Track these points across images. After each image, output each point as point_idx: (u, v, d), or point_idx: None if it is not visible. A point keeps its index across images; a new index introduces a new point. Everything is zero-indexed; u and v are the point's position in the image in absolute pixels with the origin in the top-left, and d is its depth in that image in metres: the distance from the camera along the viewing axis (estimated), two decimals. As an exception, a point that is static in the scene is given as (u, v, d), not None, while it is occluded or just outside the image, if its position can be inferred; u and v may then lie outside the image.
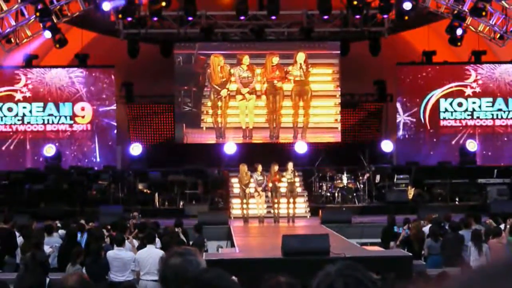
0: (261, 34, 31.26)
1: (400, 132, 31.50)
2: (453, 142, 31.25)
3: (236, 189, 26.77)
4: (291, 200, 25.02)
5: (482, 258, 16.04)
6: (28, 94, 30.80)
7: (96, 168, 29.60)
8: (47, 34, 28.21)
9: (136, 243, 16.61)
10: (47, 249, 16.49)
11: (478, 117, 31.37)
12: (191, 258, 3.93)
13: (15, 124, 30.87)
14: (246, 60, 30.73)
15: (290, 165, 25.13)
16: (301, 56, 30.72)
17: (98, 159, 30.97)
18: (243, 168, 25.16)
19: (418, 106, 31.41)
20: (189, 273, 3.81)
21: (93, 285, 4.76)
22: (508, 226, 17.82)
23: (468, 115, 31.39)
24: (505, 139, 31.36)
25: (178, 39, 31.49)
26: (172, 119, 31.84)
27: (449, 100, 31.37)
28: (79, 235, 17.59)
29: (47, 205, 26.44)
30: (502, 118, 31.35)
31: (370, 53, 31.42)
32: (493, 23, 29.38)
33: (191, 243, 18.64)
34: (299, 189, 27.18)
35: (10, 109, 30.77)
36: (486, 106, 31.33)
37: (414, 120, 31.49)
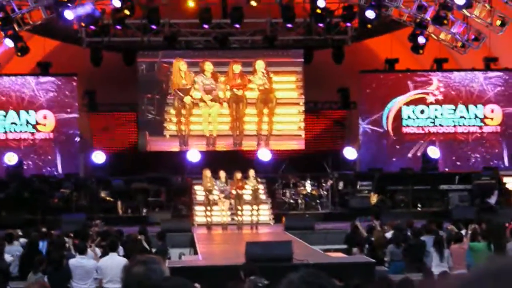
0: (225, 42, 31.26)
1: (363, 139, 31.64)
2: (415, 149, 31.46)
3: (199, 197, 26.75)
4: (255, 207, 25.05)
5: (444, 263, 16.17)
6: (-11, 102, 30.52)
7: (58, 176, 29.36)
8: (9, 42, 27.97)
9: (98, 251, 16.53)
10: (8, 257, 16.36)
11: (440, 124, 31.62)
12: (155, 266, 3.92)
13: (-24, 132, 30.58)
14: (207, 66, 30.73)
15: (252, 172, 25.21)
16: (260, 64, 30.79)
17: (60, 167, 30.75)
18: (206, 173, 25.17)
19: (381, 113, 31.58)
20: (152, 281, 3.80)
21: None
22: (469, 232, 17.96)
23: (430, 122, 31.63)
24: (467, 146, 31.63)
25: (142, 47, 31.40)
26: (135, 127, 31.73)
27: (412, 107, 31.59)
28: (41, 243, 17.46)
29: (8, 213, 26.20)
30: (463, 125, 31.63)
31: (334, 61, 31.56)
32: (455, 31, 29.64)
33: (154, 250, 18.58)
34: (262, 196, 27.23)
35: (-29, 117, 30.48)
36: (448, 113, 31.59)
37: (377, 127, 31.65)
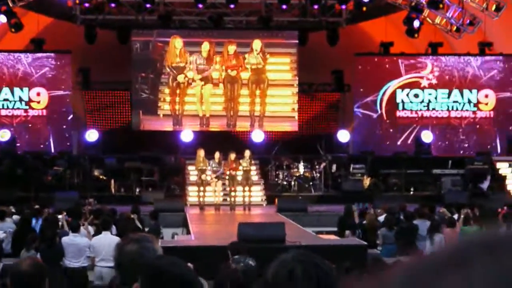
0: (219, 22, 31.20)
1: (356, 122, 31.66)
2: (408, 133, 31.50)
3: (192, 177, 26.76)
4: (247, 188, 25.06)
5: (436, 247, 16.22)
6: (-18, 78, 30.45)
7: (51, 154, 29.31)
8: (2, 18, 27.89)
9: (91, 229, 16.54)
10: (0, 234, 16.36)
11: (434, 109, 31.64)
12: (148, 245, 3.92)
13: (-31, 108, 30.52)
14: (204, 46, 30.65)
15: (247, 153, 25.18)
16: (257, 44, 30.74)
17: (53, 145, 30.72)
18: (200, 152, 25.13)
19: (375, 97, 31.58)
20: (145, 259, 3.80)
21: (47, 269, 4.73)
22: (462, 216, 18.01)
23: (424, 106, 31.65)
24: (460, 130, 31.68)
25: (136, 25, 31.32)
26: (129, 106, 31.68)
27: (406, 91, 31.59)
28: (33, 220, 17.47)
29: (1, 190, 26.14)
30: (457, 109, 31.66)
31: (328, 43, 31.54)
32: (450, 15, 29.63)
33: (146, 230, 18.59)
34: (255, 178, 27.24)
35: (-36, 93, 30.41)
36: (442, 98, 31.61)
37: (371, 110, 31.66)
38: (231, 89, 30.92)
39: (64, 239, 14.76)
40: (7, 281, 4.53)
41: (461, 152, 31.02)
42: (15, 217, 18.04)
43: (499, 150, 31.34)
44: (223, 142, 29.85)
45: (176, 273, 3.35)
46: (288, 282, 2.75)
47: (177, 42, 30.66)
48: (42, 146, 30.64)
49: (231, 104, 31.09)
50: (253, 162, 26.08)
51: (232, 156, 24.78)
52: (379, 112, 31.64)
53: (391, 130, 31.73)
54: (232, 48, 30.68)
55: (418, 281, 1.02)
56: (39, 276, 4.48)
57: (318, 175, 27.67)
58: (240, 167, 25.03)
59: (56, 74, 30.96)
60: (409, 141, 31.36)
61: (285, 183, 27.57)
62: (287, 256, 2.80)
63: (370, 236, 18.08)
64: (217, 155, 25.01)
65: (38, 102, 30.77)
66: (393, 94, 31.61)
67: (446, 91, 31.58)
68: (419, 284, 1.02)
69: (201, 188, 25.12)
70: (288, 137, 31.08)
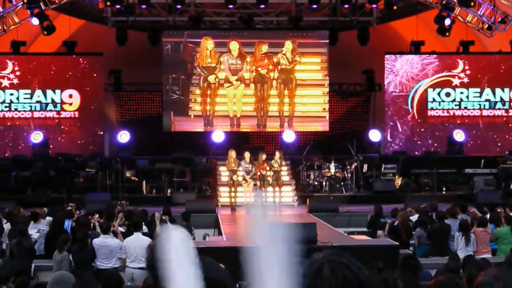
0: (249, 22, 31.22)
1: (388, 122, 31.53)
2: (440, 132, 31.32)
3: (224, 177, 26.77)
4: (277, 188, 25.03)
5: (469, 247, 16.12)
6: (15, 81, 30.68)
7: (83, 156, 29.47)
8: (35, 21, 28.07)
9: (121, 230, 16.61)
10: (34, 233, 16.48)
11: (465, 107, 31.44)
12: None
13: (2, 111, 30.76)
14: (233, 45, 30.66)
15: (278, 154, 25.17)
16: (288, 45, 30.74)
17: (85, 147, 30.89)
18: (231, 153, 25.13)
19: (406, 96, 31.44)
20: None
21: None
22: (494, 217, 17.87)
23: (455, 105, 31.45)
24: (492, 129, 31.44)
25: (167, 27, 31.42)
26: (160, 107, 31.80)
27: (437, 90, 31.41)
28: (66, 222, 17.58)
29: (34, 192, 26.37)
30: (489, 108, 31.43)
31: (359, 43, 31.44)
32: (481, 13, 29.43)
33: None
34: (286, 178, 27.23)
35: (-3, 96, 30.73)
36: (474, 97, 31.40)
37: (402, 110, 31.50)
38: (261, 89, 30.92)
39: (95, 241, 14.84)
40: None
41: (494, 151, 30.76)
42: (48, 218, 18.15)
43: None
44: (254, 143, 29.95)
45: (210, 274, 3.35)
46: (316, 280, 2.80)
47: (209, 44, 30.72)
48: (74, 148, 30.81)
49: (261, 105, 31.09)
50: (284, 163, 26.04)
51: (263, 156, 24.76)
52: (411, 111, 31.49)
53: (422, 130, 31.56)
54: (265, 48, 30.70)
55: None
56: None
57: (349, 175, 27.58)
58: (270, 168, 24.95)
59: (88, 76, 31.15)
60: (440, 141, 31.15)
61: (316, 183, 27.51)
62: (318, 256, 2.86)
63: (402, 236, 17.98)
64: (247, 155, 24.99)
65: (70, 104, 30.96)
66: (425, 93, 31.44)
67: (478, 89, 31.36)
68: None
69: (233, 189, 25.13)
70: (319, 137, 31.03)
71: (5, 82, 30.65)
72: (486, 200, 22.80)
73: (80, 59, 31.18)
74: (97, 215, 18.27)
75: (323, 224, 20.07)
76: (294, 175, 28.06)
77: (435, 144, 31.25)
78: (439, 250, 16.69)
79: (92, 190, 26.24)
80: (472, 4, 28.04)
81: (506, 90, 31.29)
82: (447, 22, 29.17)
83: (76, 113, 31.02)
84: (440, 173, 27.87)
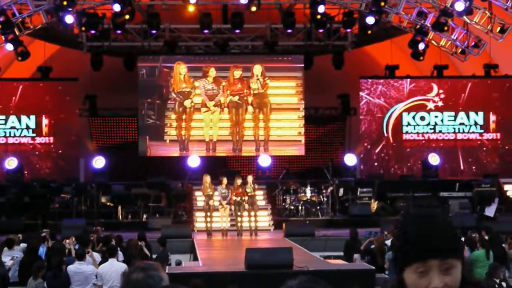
0: (225, 47, 31.30)
1: (363, 145, 31.61)
2: (415, 156, 31.43)
3: (200, 202, 26.74)
4: (252, 213, 25.00)
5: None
6: (-11, 107, 30.53)
7: (58, 181, 29.29)
8: (9, 46, 27.98)
9: (97, 256, 16.51)
10: (8, 261, 16.34)
11: (440, 131, 31.59)
12: (153, 273, 3.90)
13: (-24, 137, 30.57)
14: (212, 72, 30.75)
15: (250, 178, 25.17)
16: (257, 69, 30.80)
17: (60, 172, 30.70)
18: (206, 178, 25.13)
19: (381, 120, 31.55)
20: (151, 288, 3.79)
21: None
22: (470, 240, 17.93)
23: (430, 129, 31.60)
24: (467, 153, 31.60)
25: (142, 52, 31.43)
26: (136, 132, 31.72)
27: (412, 113, 31.56)
28: (41, 248, 17.44)
29: (9, 218, 26.18)
30: (464, 132, 31.60)
31: (334, 67, 31.57)
32: (455, 38, 29.69)
33: (154, 256, 18.56)
34: (262, 202, 27.23)
35: (-29, 122, 30.50)
36: (448, 120, 31.57)
37: (377, 134, 31.60)
38: (236, 114, 30.94)
39: (70, 267, 14.74)
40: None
41: (469, 174, 30.90)
42: (23, 245, 18.02)
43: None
44: (229, 167, 29.93)
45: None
46: None
47: (181, 68, 30.76)
48: (49, 173, 30.62)
49: (236, 129, 31.10)
50: (257, 187, 26.02)
51: (238, 181, 24.76)
52: (386, 135, 31.59)
53: (397, 153, 31.66)
54: (237, 73, 30.75)
55: None
56: None
57: (325, 199, 27.62)
58: (244, 193, 24.95)
59: (62, 102, 31.02)
60: (416, 165, 31.26)
61: (292, 207, 27.51)
62: (293, 283, 2.83)
63: (378, 260, 18.00)
64: (224, 180, 24.99)
65: (45, 130, 30.80)
66: (399, 117, 31.57)
67: (452, 113, 31.54)
68: None
69: (208, 214, 25.08)
70: (294, 161, 31.05)
71: (-21, 108, 30.48)
72: (461, 224, 22.86)
73: (55, 85, 31.06)
74: (73, 238, 18.14)
75: (299, 249, 20.07)
76: (270, 200, 28.05)
77: (411, 168, 31.34)
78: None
79: (67, 216, 26.10)
80: (446, 28, 28.29)
81: (480, 113, 31.48)
82: (421, 46, 29.40)
83: (51, 138, 30.85)
84: (415, 197, 27.96)
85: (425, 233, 2.81)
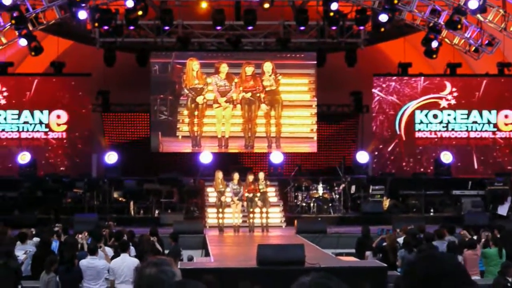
0: (237, 44, 31.31)
1: (376, 143, 31.58)
2: (428, 154, 31.39)
3: (211, 198, 26.75)
4: (264, 210, 25.01)
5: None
6: (3, 102, 30.62)
7: (71, 176, 29.38)
8: (23, 42, 28.08)
9: (109, 251, 16.55)
10: (21, 254, 16.41)
11: (453, 129, 31.53)
12: (166, 268, 3.92)
13: (-11, 131, 30.71)
14: (223, 68, 30.77)
15: (261, 175, 25.15)
16: (268, 66, 30.80)
17: (73, 167, 30.80)
18: (218, 174, 25.11)
19: (393, 118, 31.51)
20: (164, 283, 3.80)
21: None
22: (483, 240, 17.88)
23: (443, 127, 31.55)
24: (480, 151, 31.53)
25: (155, 48, 31.46)
26: (148, 128, 31.77)
27: (425, 111, 31.51)
28: (54, 243, 17.51)
29: (22, 213, 26.29)
30: (476, 130, 31.53)
31: (346, 64, 31.53)
32: (468, 36, 29.61)
33: (167, 252, 18.61)
34: (274, 199, 27.23)
35: (-16, 116, 30.63)
36: (461, 118, 31.50)
37: (390, 131, 31.58)
38: (249, 110, 30.95)
39: (82, 262, 14.79)
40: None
41: (482, 172, 30.83)
42: (36, 239, 18.09)
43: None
44: (242, 163, 29.94)
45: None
46: None
47: (194, 65, 30.78)
48: (62, 168, 30.72)
49: (249, 125, 31.10)
50: (269, 183, 25.99)
51: (250, 177, 24.75)
52: (398, 133, 31.56)
53: (410, 151, 31.62)
54: (249, 70, 30.75)
55: None
56: None
57: (337, 196, 27.60)
58: (256, 189, 24.95)
59: (75, 97, 31.12)
60: (428, 162, 31.23)
61: (304, 204, 27.51)
62: (305, 279, 2.84)
63: (390, 257, 17.98)
64: (236, 176, 24.97)
65: (58, 125, 30.90)
66: (412, 115, 31.52)
67: (465, 111, 31.47)
68: None
69: (220, 210, 25.09)
70: (307, 158, 31.03)
71: (-7, 103, 30.61)
72: (473, 222, 22.85)
73: (68, 80, 31.16)
74: (86, 233, 18.19)
75: (311, 246, 20.07)
76: (281, 196, 28.05)
77: (423, 166, 31.30)
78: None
79: (79, 210, 26.16)
80: (459, 26, 28.20)
81: (493, 112, 31.41)
82: (434, 44, 29.34)
83: (64, 133, 30.95)
84: (427, 195, 27.93)
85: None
